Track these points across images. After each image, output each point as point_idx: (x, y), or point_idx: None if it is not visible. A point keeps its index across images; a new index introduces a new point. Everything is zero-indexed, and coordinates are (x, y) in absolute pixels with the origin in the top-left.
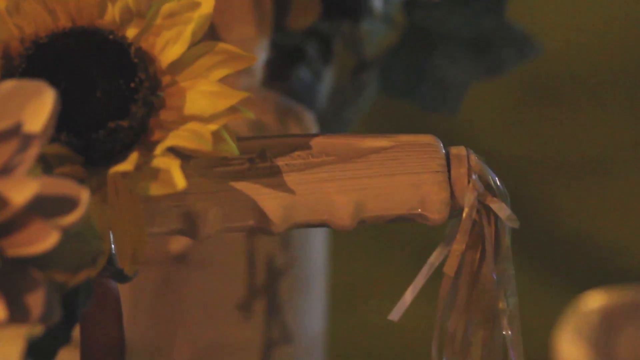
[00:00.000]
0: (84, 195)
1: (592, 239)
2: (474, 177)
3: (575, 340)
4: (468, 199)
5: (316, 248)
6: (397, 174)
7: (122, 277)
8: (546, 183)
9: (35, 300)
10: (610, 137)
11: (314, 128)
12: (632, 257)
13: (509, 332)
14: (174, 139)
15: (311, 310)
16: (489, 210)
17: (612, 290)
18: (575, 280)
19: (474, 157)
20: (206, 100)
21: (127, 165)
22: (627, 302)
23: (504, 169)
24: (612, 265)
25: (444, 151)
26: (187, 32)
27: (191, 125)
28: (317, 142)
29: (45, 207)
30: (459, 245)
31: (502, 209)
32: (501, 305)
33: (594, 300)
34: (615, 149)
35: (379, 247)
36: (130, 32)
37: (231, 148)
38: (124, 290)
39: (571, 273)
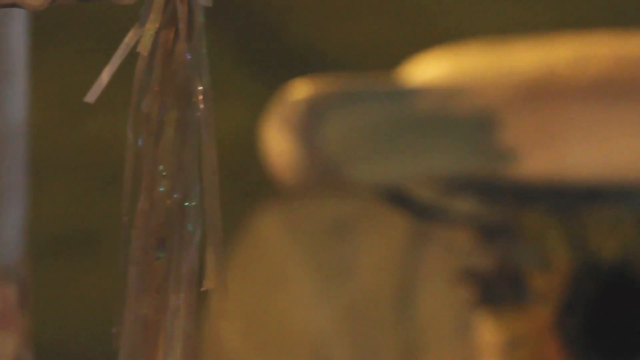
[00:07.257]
0: None
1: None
2: None
3: (282, 129)
4: None
5: (16, 38)
6: None
7: None
8: None
9: None
10: None
11: None
12: (332, 47)
13: (202, 109)
14: None
15: (12, 101)
16: None
17: (317, 79)
18: (280, 71)
19: None
20: None
21: None
22: (332, 91)
23: None
24: (314, 56)
25: None
26: None
27: None
28: None
29: None
30: (152, 24)
31: None
32: (195, 83)
33: (300, 90)
34: None
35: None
36: None
37: None
38: None
39: (277, 64)
